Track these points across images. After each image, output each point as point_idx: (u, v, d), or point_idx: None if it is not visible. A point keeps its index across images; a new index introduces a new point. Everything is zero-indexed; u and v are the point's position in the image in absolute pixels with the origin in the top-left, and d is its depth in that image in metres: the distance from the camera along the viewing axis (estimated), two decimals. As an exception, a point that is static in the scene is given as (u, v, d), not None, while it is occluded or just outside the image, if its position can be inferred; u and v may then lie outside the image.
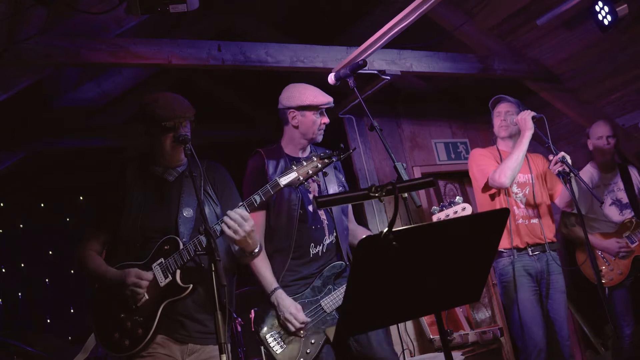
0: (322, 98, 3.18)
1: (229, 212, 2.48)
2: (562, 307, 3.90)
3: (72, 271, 5.86)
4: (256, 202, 2.54)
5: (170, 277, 2.51)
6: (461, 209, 3.34)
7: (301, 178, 2.53)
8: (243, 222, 2.46)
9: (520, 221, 3.93)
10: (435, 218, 3.39)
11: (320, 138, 3.23)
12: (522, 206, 3.96)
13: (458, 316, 4.94)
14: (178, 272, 2.52)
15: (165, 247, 2.55)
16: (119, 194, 2.67)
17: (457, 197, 3.41)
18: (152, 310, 2.50)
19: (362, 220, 5.01)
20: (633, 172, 4.71)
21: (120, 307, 2.52)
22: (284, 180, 2.53)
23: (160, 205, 2.66)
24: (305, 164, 2.55)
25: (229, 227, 2.45)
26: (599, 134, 4.62)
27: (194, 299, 2.56)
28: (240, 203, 2.54)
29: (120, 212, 2.62)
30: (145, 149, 2.76)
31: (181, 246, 2.53)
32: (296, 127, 3.19)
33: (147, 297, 2.51)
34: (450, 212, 3.36)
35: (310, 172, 2.54)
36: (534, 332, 3.78)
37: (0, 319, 5.47)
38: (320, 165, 2.55)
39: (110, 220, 2.65)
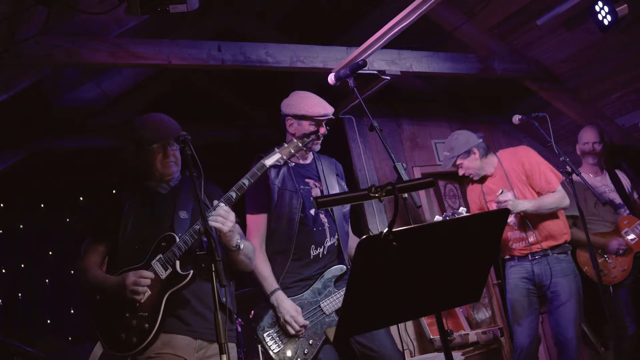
0: (319, 109, 3.18)
1: (214, 211, 2.55)
2: (567, 310, 3.87)
3: (72, 271, 5.85)
4: (245, 185, 2.66)
5: (170, 269, 2.57)
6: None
7: (285, 157, 2.73)
8: (228, 214, 2.55)
9: (515, 245, 4.01)
10: None
11: (316, 148, 3.25)
12: (516, 228, 3.99)
13: (458, 316, 4.94)
14: (177, 262, 2.58)
15: (163, 244, 2.61)
16: (113, 215, 2.73)
17: (461, 208, 3.38)
18: (156, 303, 2.54)
19: (362, 220, 5.01)
20: (621, 175, 4.80)
21: (124, 308, 2.55)
22: (269, 161, 2.70)
23: (155, 214, 2.73)
24: (286, 145, 2.75)
25: (216, 221, 2.53)
26: (585, 140, 4.73)
27: (196, 295, 2.62)
28: (231, 189, 2.65)
29: (117, 230, 2.69)
30: (136, 165, 2.81)
31: (177, 239, 2.59)
32: (293, 135, 3.21)
33: (149, 292, 2.54)
34: None
35: (293, 151, 2.74)
36: (518, 333, 3.94)
37: (0, 319, 5.47)
38: (300, 144, 2.77)
39: (109, 235, 2.72)
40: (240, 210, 2.89)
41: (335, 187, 3.27)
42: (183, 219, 2.70)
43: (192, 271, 2.57)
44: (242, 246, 2.66)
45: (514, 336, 4.01)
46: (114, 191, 2.89)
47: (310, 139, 2.83)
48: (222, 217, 2.53)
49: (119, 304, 2.54)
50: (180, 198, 2.77)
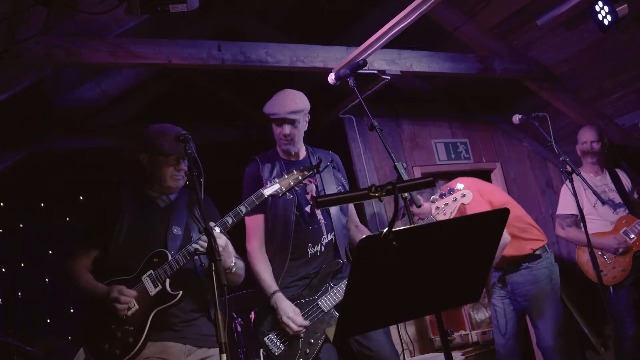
0: (270, 108, 3.17)
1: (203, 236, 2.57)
2: (543, 319, 3.91)
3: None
4: (242, 212, 2.71)
5: (160, 286, 2.61)
6: (460, 195, 3.23)
7: (283, 189, 2.77)
8: (215, 239, 2.55)
9: None
10: (433, 207, 3.31)
11: (284, 148, 3.22)
12: None
13: (462, 316, 4.95)
14: (167, 280, 2.61)
15: (155, 260, 2.65)
16: (111, 216, 2.75)
17: (458, 184, 3.29)
18: (142, 319, 2.57)
19: (362, 220, 5.00)
20: (622, 174, 4.80)
21: (110, 318, 2.57)
22: (267, 191, 2.75)
23: (150, 225, 2.76)
24: (286, 176, 2.80)
25: (202, 246, 2.57)
26: (584, 139, 4.77)
27: (183, 305, 2.65)
28: (228, 214, 2.66)
29: (112, 233, 2.71)
30: (139, 172, 2.83)
31: (170, 257, 2.62)
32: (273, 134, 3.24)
33: (137, 307, 2.58)
34: (449, 200, 3.26)
35: (292, 183, 2.79)
36: (494, 334, 4.14)
37: (0, 319, 5.47)
38: (300, 177, 2.81)
39: (101, 240, 2.73)
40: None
41: (330, 181, 3.25)
42: (176, 234, 2.73)
43: (181, 292, 2.61)
44: (234, 269, 2.72)
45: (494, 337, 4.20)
46: (113, 192, 2.88)
47: (312, 172, 2.85)
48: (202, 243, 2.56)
49: (106, 314, 2.57)
50: (175, 212, 2.80)
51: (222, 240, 2.60)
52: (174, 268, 2.60)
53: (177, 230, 2.74)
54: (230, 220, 2.66)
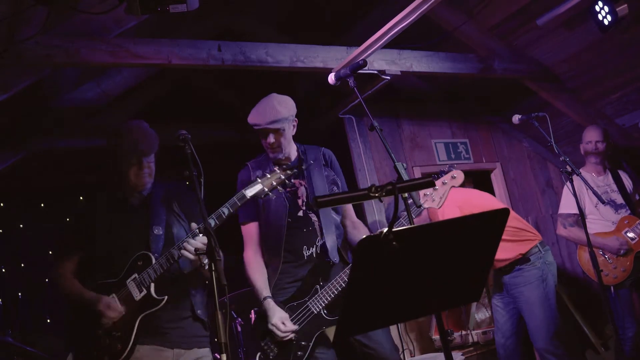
0: (251, 118, 3.15)
1: (189, 240, 2.58)
2: (532, 320, 3.94)
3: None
4: (224, 214, 2.65)
5: (145, 291, 2.60)
6: (450, 177, 3.04)
7: (266, 189, 2.71)
8: (201, 244, 2.57)
9: None
10: (421, 194, 3.15)
11: (272, 156, 3.19)
12: None
13: (462, 315, 4.96)
14: (152, 285, 2.60)
15: (139, 263, 2.64)
16: (90, 219, 2.77)
17: (448, 167, 3.09)
18: (129, 324, 2.57)
19: (362, 220, 5.00)
20: (624, 175, 4.80)
21: (97, 325, 2.57)
22: (249, 192, 2.70)
23: (130, 226, 2.76)
24: (269, 176, 2.74)
25: (189, 251, 2.57)
26: (588, 139, 4.76)
27: (169, 308, 2.65)
28: (210, 216, 2.63)
29: (93, 236, 2.72)
30: (111, 176, 2.85)
31: (154, 261, 2.61)
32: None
33: (123, 312, 2.58)
34: (437, 184, 3.06)
35: (274, 183, 2.73)
36: (495, 333, 4.23)
37: (0, 319, 5.46)
38: (283, 177, 2.76)
39: (84, 244, 2.74)
40: (235, 219, 2.92)
41: (320, 180, 3.19)
42: (157, 235, 2.72)
43: (166, 297, 2.60)
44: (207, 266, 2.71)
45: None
46: (87, 197, 2.90)
47: (294, 172, 2.83)
48: (190, 247, 2.56)
49: (92, 320, 2.57)
50: (153, 210, 2.79)
51: (204, 239, 2.58)
52: (158, 272, 2.59)
53: (157, 230, 2.73)
54: (212, 223, 2.63)
